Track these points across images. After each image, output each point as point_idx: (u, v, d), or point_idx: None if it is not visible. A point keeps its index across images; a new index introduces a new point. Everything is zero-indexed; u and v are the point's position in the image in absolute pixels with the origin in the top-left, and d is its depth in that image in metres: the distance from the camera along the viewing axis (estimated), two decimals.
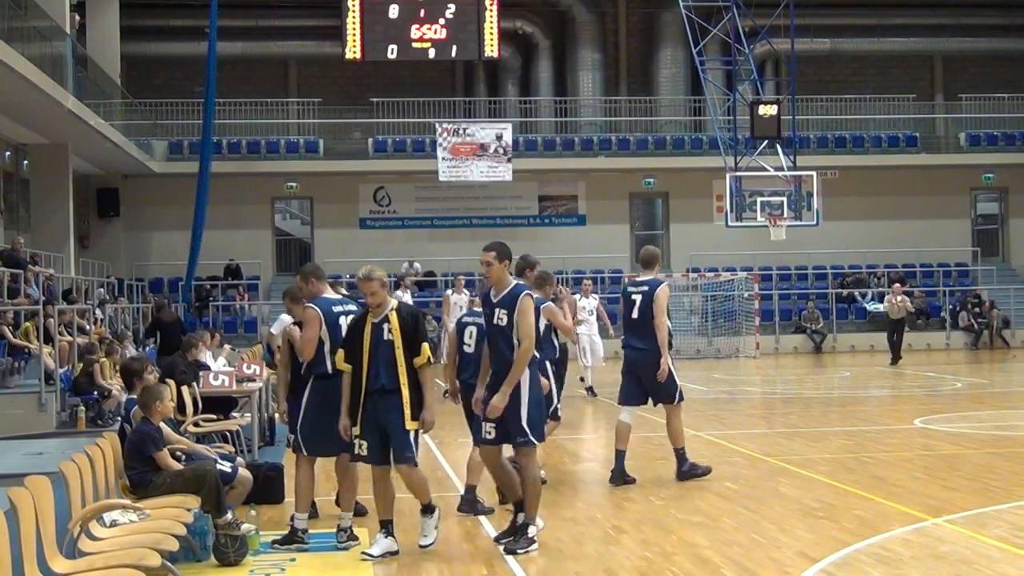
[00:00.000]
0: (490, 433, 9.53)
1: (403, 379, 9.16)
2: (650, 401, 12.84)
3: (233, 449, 12.57)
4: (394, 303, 9.33)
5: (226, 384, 14.73)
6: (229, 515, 9.33)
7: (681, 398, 12.77)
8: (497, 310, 9.52)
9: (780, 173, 32.99)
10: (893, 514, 10.58)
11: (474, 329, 10.95)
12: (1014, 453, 14.35)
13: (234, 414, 14.84)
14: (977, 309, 37.77)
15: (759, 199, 32.64)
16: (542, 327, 12.08)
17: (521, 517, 9.47)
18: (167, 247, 37.45)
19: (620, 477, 12.52)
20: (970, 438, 15.98)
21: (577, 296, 21.64)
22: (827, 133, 40.51)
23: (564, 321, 12.45)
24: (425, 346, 9.22)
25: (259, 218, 39.45)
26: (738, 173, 33.05)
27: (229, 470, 10.20)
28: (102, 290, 30.62)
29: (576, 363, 20.68)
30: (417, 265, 37.67)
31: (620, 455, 12.62)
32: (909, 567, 8.73)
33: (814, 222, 33.38)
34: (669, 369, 12.49)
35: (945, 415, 18.58)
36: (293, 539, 9.69)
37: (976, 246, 41.50)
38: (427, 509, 9.44)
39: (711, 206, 39.13)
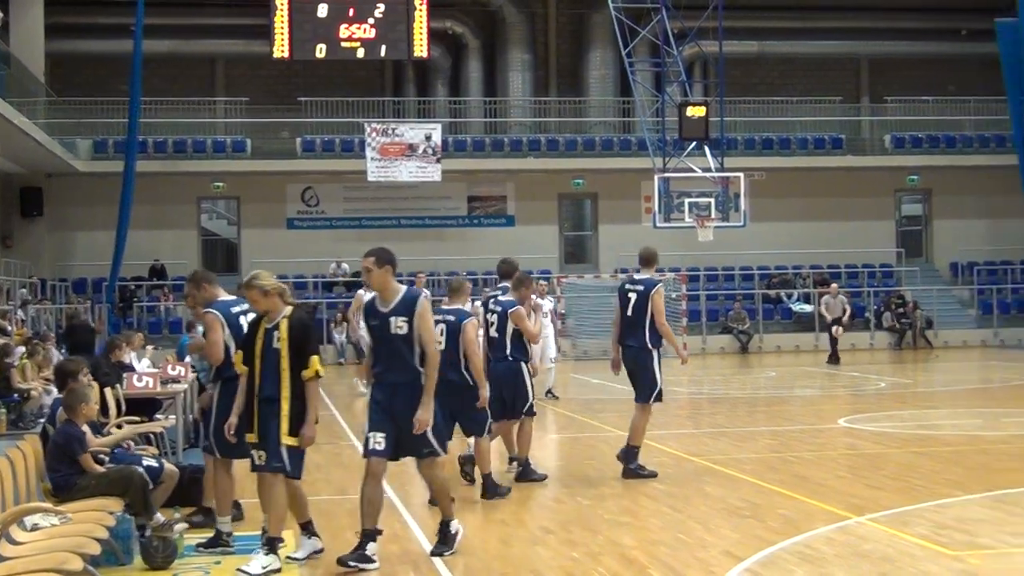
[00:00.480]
0: (379, 444, 8.94)
1: (284, 391, 8.81)
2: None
3: (157, 451, 12.44)
4: (287, 310, 8.96)
5: (150, 386, 14.57)
6: (160, 516, 9.28)
7: (658, 399, 12.92)
8: (393, 319, 8.99)
9: (708, 174, 33.17)
10: (817, 513, 10.68)
11: (443, 327, 11.06)
12: (936, 452, 14.52)
13: (158, 416, 14.68)
14: (901, 310, 38.23)
15: (687, 200, 32.73)
16: (510, 331, 12.21)
17: (370, 547, 8.92)
18: (91, 247, 36.92)
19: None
20: (893, 437, 16.16)
21: (534, 298, 21.43)
22: (754, 135, 40.79)
23: (530, 327, 12.50)
24: (315, 359, 8.83)
25: (185, 218, 39.06)
26: (666, 174, 33.15)
27: (156, 464, 10.22)
28: (24, 290, 30.22)
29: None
30: (345, 266, 37.50)
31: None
32: (833, 565, 8.82)
33: (741, 223, 33.53)
34: (653, 369, 12.68)
35: (869, 415, 18.77)
36: (218, 542, 9.61)
37: (900, 247, 41.99)
38: (307, 528, 9.31)
39: (639, 207, 39.24)
